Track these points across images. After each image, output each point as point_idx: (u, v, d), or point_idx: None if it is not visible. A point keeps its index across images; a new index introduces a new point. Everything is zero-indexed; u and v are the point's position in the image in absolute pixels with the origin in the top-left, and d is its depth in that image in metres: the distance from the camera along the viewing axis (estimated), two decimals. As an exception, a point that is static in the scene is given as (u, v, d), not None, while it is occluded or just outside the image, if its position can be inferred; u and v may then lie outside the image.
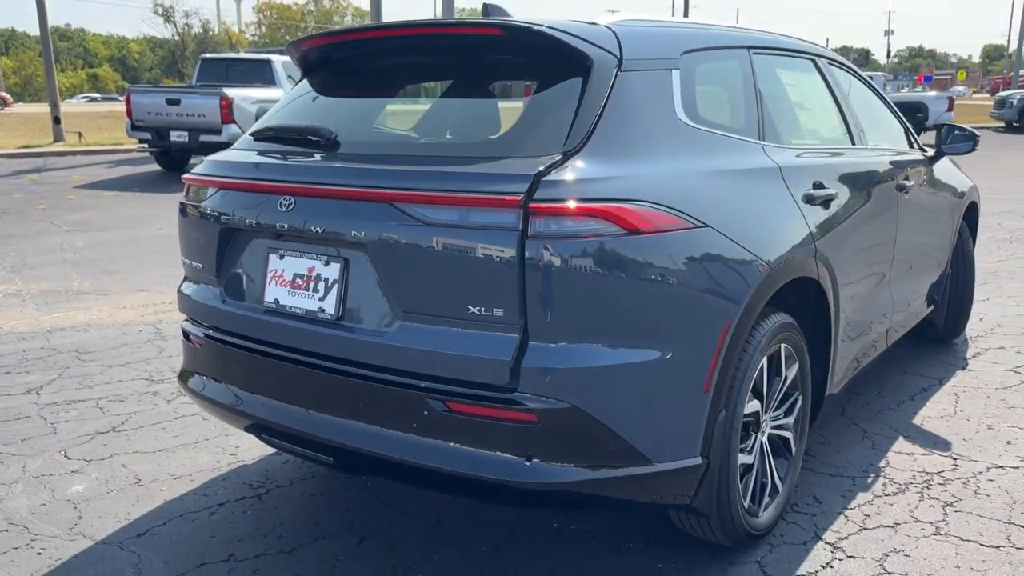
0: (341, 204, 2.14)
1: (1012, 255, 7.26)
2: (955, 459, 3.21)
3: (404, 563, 2.51)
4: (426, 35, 2.44)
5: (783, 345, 2.56)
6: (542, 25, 2.18)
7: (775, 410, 2.65)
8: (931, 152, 4.03)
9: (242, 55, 14.90)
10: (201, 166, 2.63)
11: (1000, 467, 3.13)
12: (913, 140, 4.06)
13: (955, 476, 3.06)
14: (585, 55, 2.16)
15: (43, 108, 33.70)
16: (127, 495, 2.96)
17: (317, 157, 2.31)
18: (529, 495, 2.03)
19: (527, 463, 1.95)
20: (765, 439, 2.60)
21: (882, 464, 3.17)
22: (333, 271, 2.20)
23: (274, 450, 3.31)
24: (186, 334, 2.68)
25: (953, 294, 4.45)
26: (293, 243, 2.30)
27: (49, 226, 8.96)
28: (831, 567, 2.47)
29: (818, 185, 2.73)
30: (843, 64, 3.62)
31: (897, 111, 4.04)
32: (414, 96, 2.87)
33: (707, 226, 2.14)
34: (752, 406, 2.43)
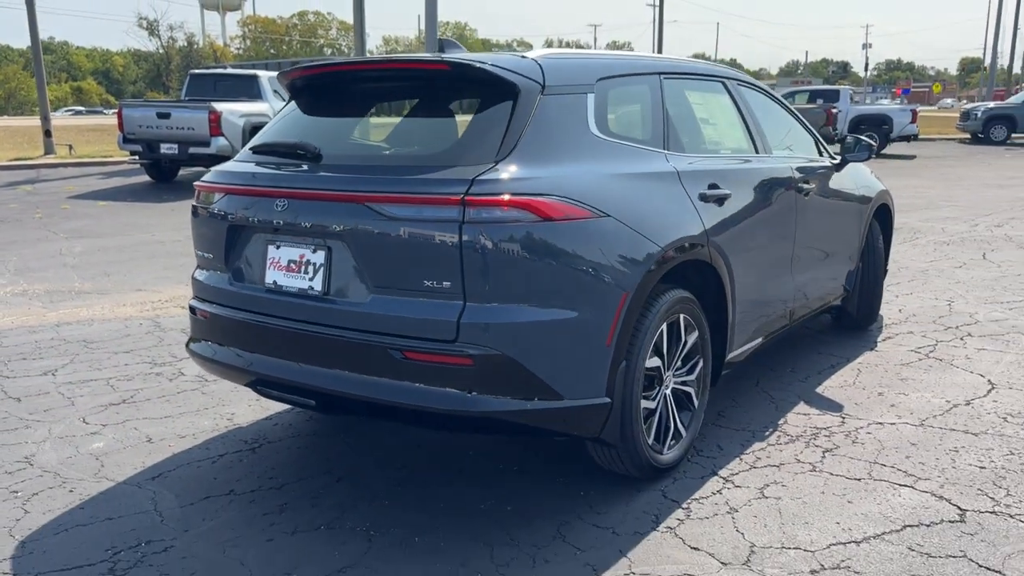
0: (325, 204, 2.72)
1: (945, 256, 7.90)
2: (843, 418, 3.80)
3: (374, 494, 3.07)
4: (391, 69, 3.04)
5: (682, 315, 3.14)
6: (482, 62, 2.77)
7: (678, 369, 3.23)
8: (837, 160, 4.65)
9: (229, 70, 15.46)
10: (209, 175, 3.20)
11: (879, 423, 3.72)
12: (823, 149, 4.67)
13: (840, 430, 3.65)
14: (514, 84, 2.75)
15: (30, 121, 34.12)
16: (140, 450, 3.51)
17: (304, 167, 2.88)
18: (470, 421, 2.60)
19: (469, 395, 2.52)
20: (669, 392, 3.17)
21: (781, 422, 3.75)
22: (319, 257, 2.77)
23: (266, 415, 3.86)
24: (192, 309, 3.23)
25: (864, 285, 5.05)
26: (287, 236, 2.86)
27: (47, 233, 9.46)
28: (720, 493, 3.05)
29: (713, 186, 3.32)
30: (754, 85, 4.24)
31: (807, 124, 4.65)
32: (381, 115, 3.43)
33: (609, 216, 2.73)
34: (654, 362, 3.01)
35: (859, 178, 4.92)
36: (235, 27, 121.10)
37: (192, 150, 12.40)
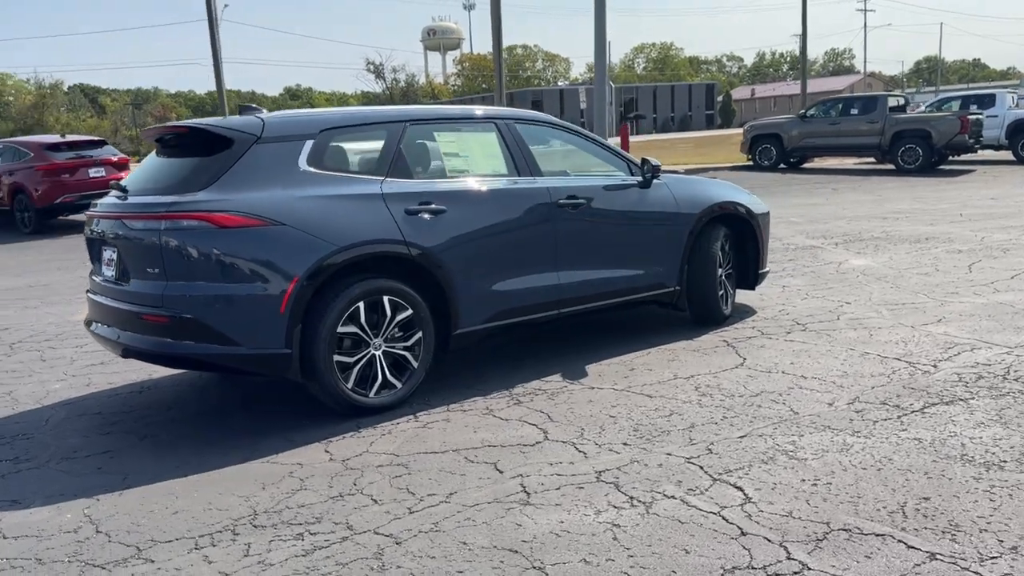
0: (110, 222, 4.25)
1: (932, 264, 8.06)
2: (568, 384, 4.71)
3: (190, 417, 4.53)
4: (168, 131, 4.51)
5: (385, 297, 4.31)
6: (210, 124, 4.19)
7: (397, 337, 4.38)
8: (640, 179, 5.50)
9: None
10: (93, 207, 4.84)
11: (592, 388, 4.62)
12: (633, 170, 5.54)
13: (552, 391, 4.58)
14: (230, 138, 4.13)
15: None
16: (78, 390, 5.18)
17: (118, 198, 4.42)
18: (181, 359, 4.02)
19: (176, 342, 3.92)
20: (380, 353, 4.35)
21: (518, 386, 4.73)
22: (114, 256, 4.29)
23: (172, 375, 5.44)
24: (88, 297, 4.87)
25: (692, 286, 5.79)
26: (104, 243, 4.41)
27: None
28: (396, 424, 4.17)
29: (425, 203, 4.46)
30: (541, 122, 5.30)
31: (612, 151, 5.56)
32: (169, 159, 4.83)
33: (283, 224, 4.01)
34: (350, 329, 4.21)
35: (682, 192, 5.70)
36: (453, 66, 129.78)
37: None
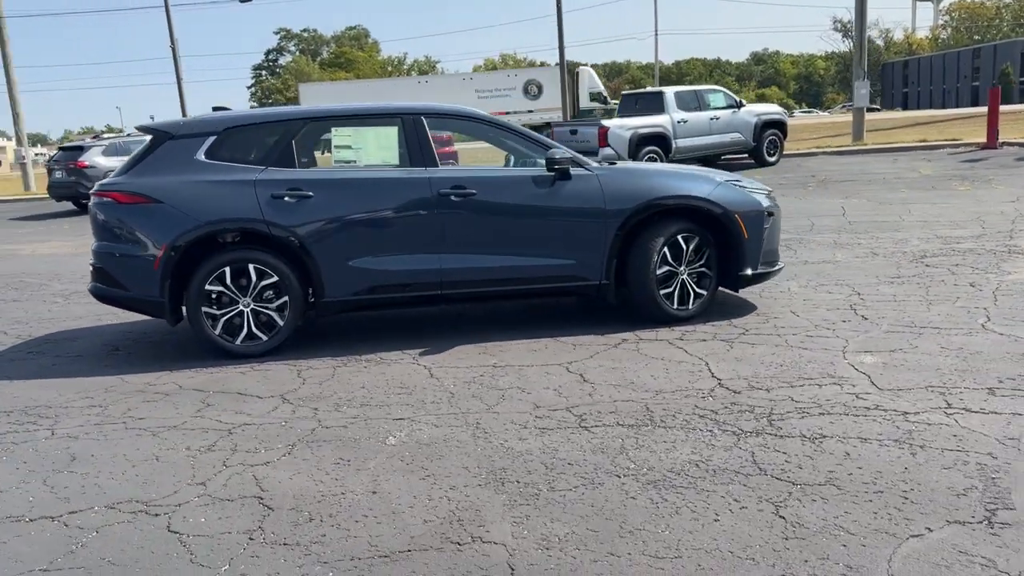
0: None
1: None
2: (409, 358, 5.23)
3: (140, 352, 6.14)
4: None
5: (251, 265, 5.34)
6: (146, 125, 5.60)
7: (269, 300, 5.39)
8: (549, 174, 5.57)
9: (648, 89, 17.97)
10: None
11: (413, 363, 5.09)
12: (554, 165, 5.59)
13: (384, 361, 5.17)
14: (151, 135, 5.50)
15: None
16: (116, 318, 7.08)
17: None
18: (104, 299, 5.56)
19: (100, 286, 5.48)
20: (248, 310, 5.41)
21: (373, 352, 5.39)
22: None
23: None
24: None
25: (628, 283, 5.65)
26: None
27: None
28: (238, 369, 5.21)
29: (294, 189, 5.33)
30: (454, 116, 5.73)
31: (539, 143, 5.68)
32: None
33: (161, 202, 5.27)
34: (217, 288, 5.33)
35: (614, 184, 5.60)
36: (940, 17, 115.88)
37: (586, 157, 15.49)
